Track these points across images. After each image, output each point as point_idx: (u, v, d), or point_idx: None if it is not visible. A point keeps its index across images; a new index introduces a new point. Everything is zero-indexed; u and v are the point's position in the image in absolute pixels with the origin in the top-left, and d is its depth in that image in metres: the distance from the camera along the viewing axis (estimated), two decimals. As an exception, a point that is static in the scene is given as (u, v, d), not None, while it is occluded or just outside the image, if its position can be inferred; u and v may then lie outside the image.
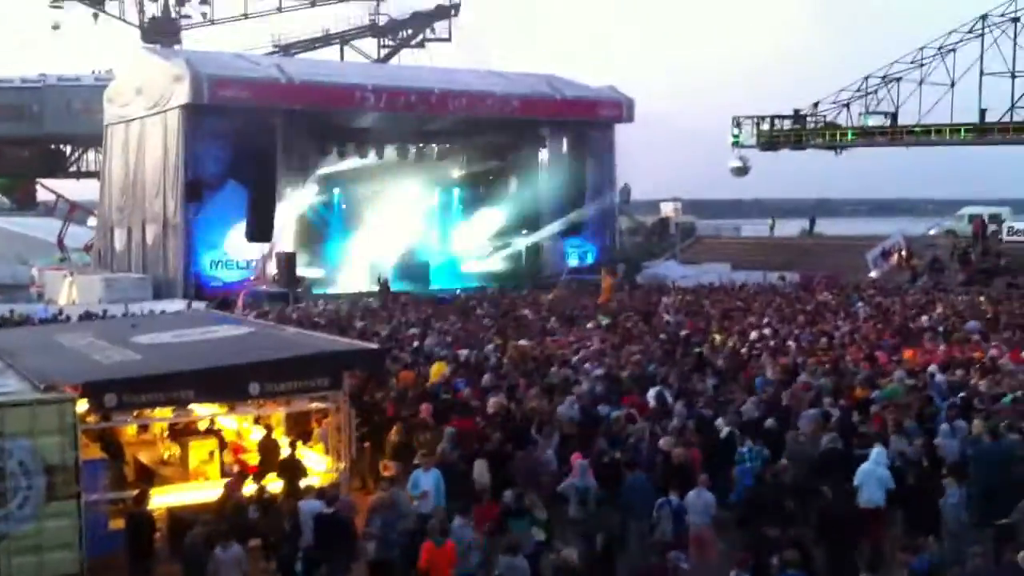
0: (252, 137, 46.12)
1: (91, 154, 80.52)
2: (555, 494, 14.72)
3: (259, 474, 15.62)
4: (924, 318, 32.11)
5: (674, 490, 13.85)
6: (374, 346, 20.65)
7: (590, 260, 56.89)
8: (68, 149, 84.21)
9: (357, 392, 19.15)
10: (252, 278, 47.34)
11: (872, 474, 14.38)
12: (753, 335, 28.63)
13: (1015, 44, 52.76)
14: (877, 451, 14.85)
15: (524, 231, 55.81)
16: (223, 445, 17.34)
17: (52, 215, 74.92)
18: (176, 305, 39.47)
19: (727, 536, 14.36)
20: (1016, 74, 52.74)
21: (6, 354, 16.70)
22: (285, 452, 16.49)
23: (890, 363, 23.60)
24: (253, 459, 16.92)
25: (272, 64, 52.44)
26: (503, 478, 15.30)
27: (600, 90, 58.41)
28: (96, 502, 14.08)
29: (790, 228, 74.22)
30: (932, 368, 22.33)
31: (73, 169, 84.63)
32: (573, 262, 56.42)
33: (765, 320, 32.19)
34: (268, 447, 16.81)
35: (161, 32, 77.78)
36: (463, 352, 26.14)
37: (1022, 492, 13.52)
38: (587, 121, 56.52)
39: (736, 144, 62.12)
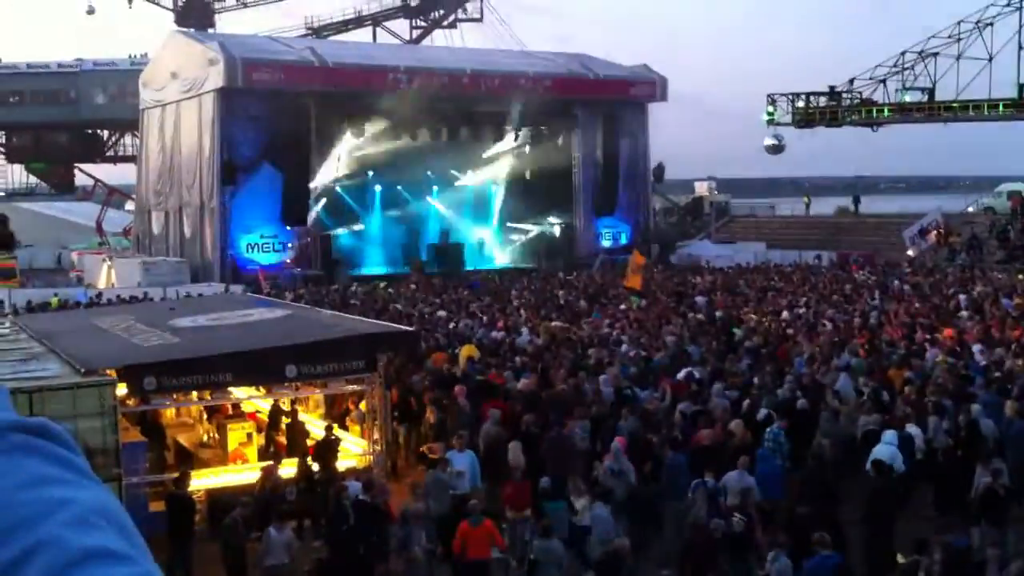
0: (286, 120, 46.34)
1: (128, 138, 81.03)
2: (589, 476, 14.77)
3: (288, 456, 15.81)
4: (962, 297, 31.81)
5: (709, 471, 13.87)
6: (409, 328, 20.78)
7: (623, 241, 56.76)
8: (105, 134, 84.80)
9: (394, 374, 19.33)
10: (288, 260, 47.65)
11: (885, 455, 14.35)
12: (785, 315, 28.53)
13: (1054, 17, 51.98)
14: (890, 433, 14.83)
15: (558, 212, 55.74)
16: (264, 427, 17.55)
17: (90, 199, 75.68)
18: (213, 288, 39.82)
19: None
20: (1055, 48, 51.99)
21: (47, 338, 16.97)
22: (317, 434, 16.66)
23: (926, 342, 23.44)
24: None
25: (305, 47, 52.56)
26: (536, 460, 15.40)
27: (633, 69, 58.14)
28: (136, 484, 14.31)
29: (826, 206, 73.60)
30: (976, 347, 22.17)
31: (110, 153, 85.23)
32: (606, 243, 56.32)
33: (802, 300, 32.04)
34: (296, 429, 17.00)
35: (195, 16, 78.05)
36: (497, 334, 26.24)
37: None
38: (620, 100, 56.26)
39: (771, 122, 61.53)
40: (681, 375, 19.89)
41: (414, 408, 18.34)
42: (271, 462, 15.23)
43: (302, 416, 17.76)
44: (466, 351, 23.02)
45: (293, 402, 17.85)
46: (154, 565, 1.11)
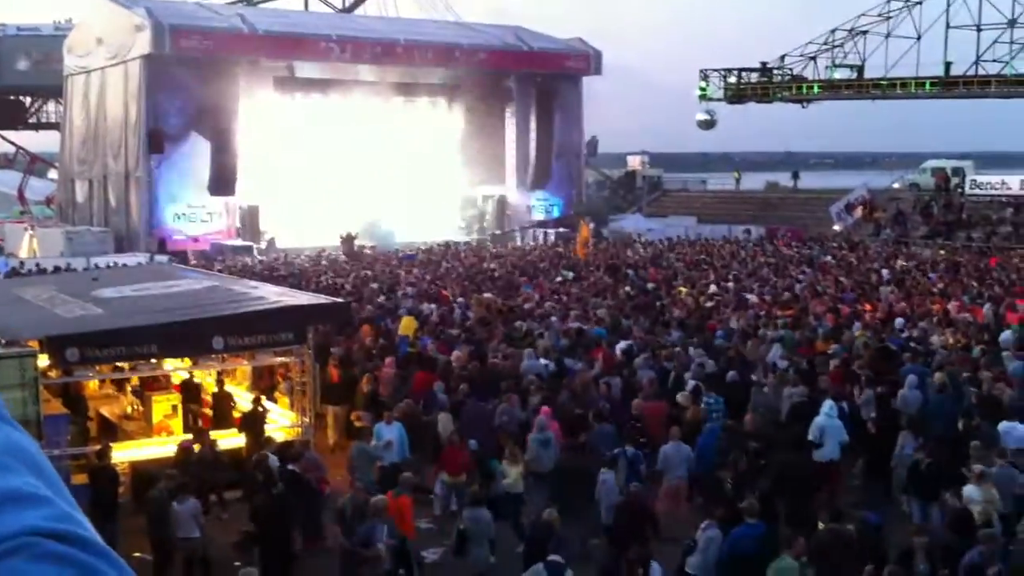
0: (214, 88, 45.57)
1: (51, 105, 79.08)
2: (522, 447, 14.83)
3: (214, 427, 15.63)
4: (885, 272, 32.40)
5: (630, 441, 13.98)
6: (339, 300, 20.61)
7: (556, 214, 56.92)
8: (28, 100, 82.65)
9: (322, 346, 19.18)
10: (214, 230, 47.05)
11: (826, 427, 14.58)
12: (712, 288, 28.85)
13: (980, -3, 52.87)
14: (828, 403, 15.09)
15: (491, 184, 55.64)
16: (188, 399, 17.31)
17: (12, 167, 73.77)
18: (138, 258, 39.16)
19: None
20: (981, 27, 52.82)
21: (-35, 309, 16.53)
22: (245, 406, 16.49)
23: (851, 316, 23.85)
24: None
25: (235, 14, 51.70)
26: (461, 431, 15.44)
27: (568, 42, 58.10)
28: (59, 457, 14.02)
29: (756, 182, 74.41)
30: (898, 322, 22.62)
31: (33, 120, 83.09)
32: (539, 215, 56.42)
33: (732, 274, 32.41)
34: (222, 400, 16.81)
35: (121, -20, 76.30)
36: (428, 307, 26.16)
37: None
38: (555, 74, 56.25)
39: (703, 97, 61.89)
40: (620, 347, 20.00)
41: (338, 382, 18.13)
42: (189, 436, 15.01)
43: (229, 388, 17.54)
44: (405, 324, 22.91)
45: (220, 373, 17.62)
46: (72, 505, 1.07)
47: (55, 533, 1.02)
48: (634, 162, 73.94)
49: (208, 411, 17.02)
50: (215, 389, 17.10)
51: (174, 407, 16.68)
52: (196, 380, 17.68)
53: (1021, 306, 24.44)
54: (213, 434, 15.27)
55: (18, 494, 1.02)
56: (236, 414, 16.57)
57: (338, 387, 18.01)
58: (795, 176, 65.67)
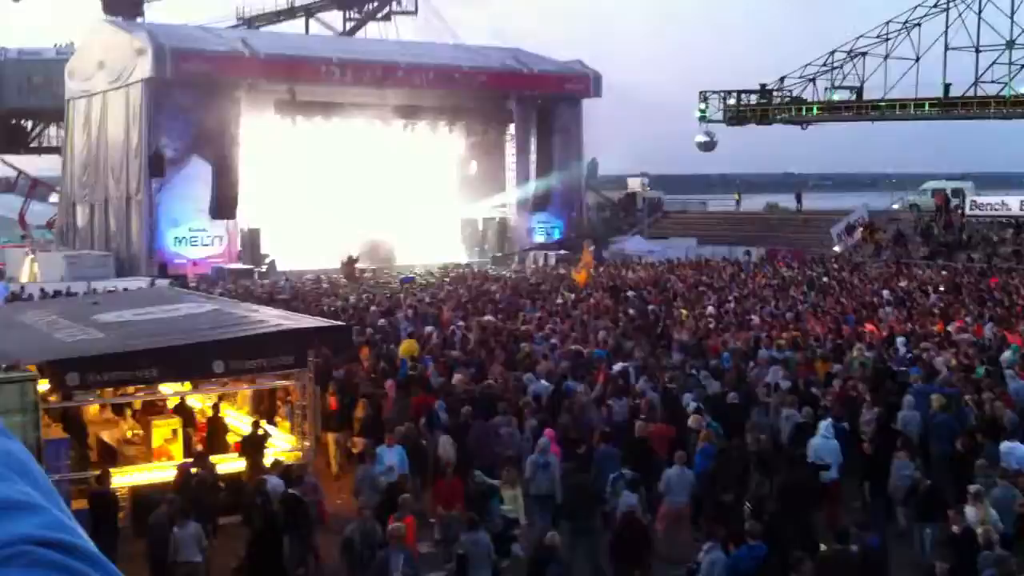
0: (216, 111, 45.73)
1: (52, 129, 79.25)
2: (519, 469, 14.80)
3: (208, 452, 15.62)
4: (886, 292, 32.39)
5: (630, 464, 13.94)
6: (339, 323, 20.61)
7: (556, 235, 57.00)
8: (29, 124, 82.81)
9: (324, 370, 19.16)
10: (217, 254, 47.12)
11: (824, 448, 14.57)
12: (710, 310, 28.86)
13: (979, 18, 52.93)
14: (825, 424, 15.10)
15: (491, 207, 55.76)
16: (189, 424, 17.28)
17: (13, 192, 73.87)
18: (139, 282, 39.18)
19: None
20: (980, 49, 52.99)
21: (-35, 333, 16.53)
22: (244, 430, 16.46)
23: (852, 336, 23.85)
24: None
25: (236, 37, 51.97)
26: (468, 454, 15.41)
27: (567, 64, 58.33)
28: (58, 482, 13.98)
29: (756, 203, 74.48)
30: (900, 339, 22.62)
31: (34, 144, 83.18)
32: (540, 237, 56.48)
33: (732, 295, 32.42)
34: (215, 425, 16.78)
35: (123, 4, 76.58)
36: (429, 329, 26.14)
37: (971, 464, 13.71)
38: (554, 95, 56.44)
39: (703, 119, 62.07)
40: (617, 368, 20.00)
41: (336, 409, 18.07)
42: (189, 460, 14.98)
43: (229, 412, 17.52)
44: (406, 347, 22.90)
45: (220, 398, 17.59)
46: (66, 513, 1.08)
47: (48, 541, 1.03)
48: (634, 184, 74.03)
49: (201, 435, 16.99)
50: (210, 413, 17.09)
51: (174, 431, 16.64)
52: (188, 404, 17.65)
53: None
54: (212, 459, 15.24)
55: (10, 502, 1.03)
56: (231, 439, 16.55)
57: (337, 414, 17.96)
58: (799, 198, 65.64)
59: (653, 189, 73.83)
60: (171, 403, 17.55)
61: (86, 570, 1.05)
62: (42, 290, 36.20)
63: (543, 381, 18.91)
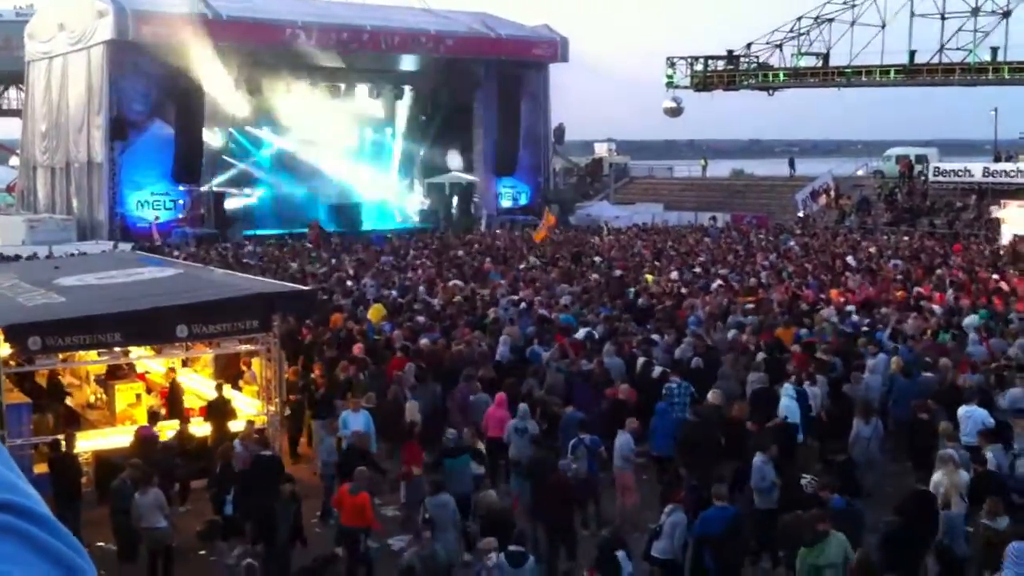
0: (178, 75, 45.13)
1: (12, 92, 78.03)
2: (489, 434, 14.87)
3: (167, 417, 15.57)
4: (850, 258, 32.64)
5: (588, 429, 14.00)
6: (305, 287, 20.51)
7: (523, 201, 56.93)
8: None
9: (291, 333, 19.10)
10: (180, 217, 46.71)
11: (789, 409, 14.76)
12: (674, 275, 28.97)
13: (945, -15, 53.26)
14: (787, 386, 15.26)
15: (458, 172, 55.57)
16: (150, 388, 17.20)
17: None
18: (101, 247, 38.79)
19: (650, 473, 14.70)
20: (945, 16, 53.23)
21: (-76, 298, 16.30)
22: (209, 395, 16.39)
23: (817, 302, 24.03)
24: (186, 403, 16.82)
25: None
26: (437, 418, 15.49)
27: (535, 29, 57.99)
28: (20, 447, 13.88)
29: (722, 169, 74.70)
30: (849, 308, 22.81)
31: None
32: (507, 203, 56.41)
33: (700, 259, 32.57)
34: (174, 390, 16.73)
35: (83, -35, 75.36)
36: (396, 294, 26.12)
37: (933, 429, 13.89)
38: (522, 60, 56.14)
39: (670, 85, 62.02)
40: (580, 334, 20.03)
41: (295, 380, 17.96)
42: (144, 424, 14.89)
43: (193, 376, 17.43)
44: (375, 311, 22.88)
45: (184, 363, 17.49)
46: (17, 475, 1.08)
47: None
48: (601, 149, 74.01)
49: (163, 400, 16.90)
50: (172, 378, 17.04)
51: (138, 396, 16.54)
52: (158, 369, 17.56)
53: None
54: (170, 424, 15.20)
55: None
56: (193, 403, 16.51)
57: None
58: (792, 164, 65.37)
59: (620, 155, 73.86)
60: (140, 367, 17.44)
61: (36, 532, 1.03)
62: (2, 254, 35.78)
63: (507, 347, 18.93)
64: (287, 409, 16.56)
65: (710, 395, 15.36)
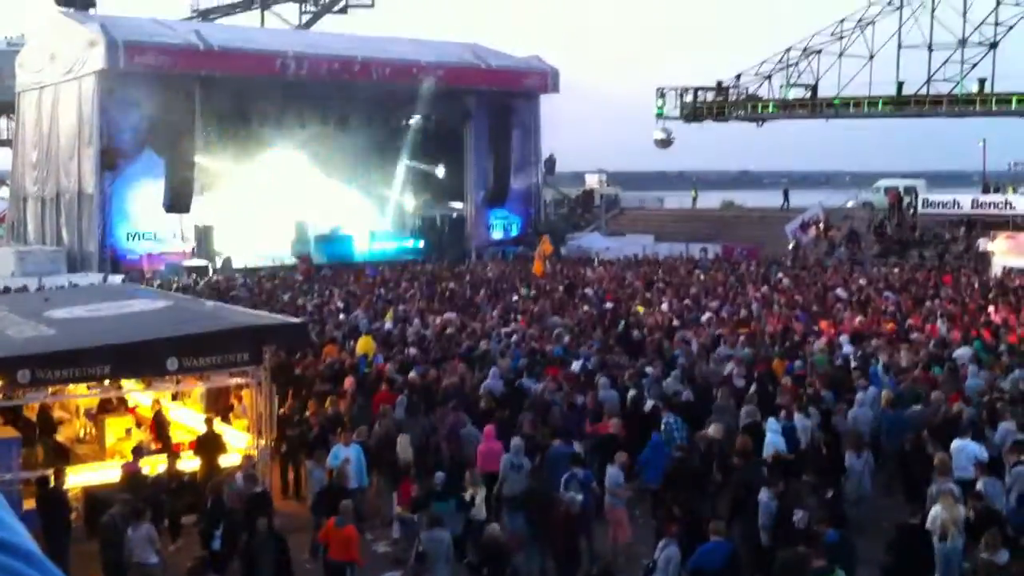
0: (169, 105, 45.20)
1: (3, 122, 78.06)
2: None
3: (158, 451, 15.46)
4: (840, 290, 32.66)
5: (581, 463, 13.93)
6: (296, 320, 20.43)
7: (514, 232, 57.01)
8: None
9: (281, 367, 19.02)
10: (169, 249, 46.64)
11: (776, 443, 14.72)
12: (664, 307, 28.98)
13: (932, 17, 53.62)
14: (771, 421, 15.30)
15: (449, 203, 55.65)
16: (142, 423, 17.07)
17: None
18: (91, 278, 38.68)
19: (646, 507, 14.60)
20: (932, 47, 53.66)
21: (-86, 330, 16.18)
22: (199, 428, 16.29)
23: (807, 334, 24.03)
24: (176, 438, 16.71)
25: (190, 30, 51.32)
26: (429, 452, 15.40)
27: (525, 60, 58.28)
28: (9, 482, 13.75)
29: (712, 200, 74.90)
30: (842, 339, 22.82)
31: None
32: (497, 234, 56.46)
33: (691, 291, 32.59)
34: (160, 423, 16.62)
35: (75, -4, 75.52)
36: (388, 325, 26.07)
37: (927, 460, 13.84)
38: (512, 91, 56.37)
39: (660, 116, 62.30)
40: (575, 367, 19.99)
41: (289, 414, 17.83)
42: (131, 460, 14.77)
43: (182, 409, 17.32)
44: (364, 343, 22.82)
45: (175, 396, 17.39)
46: (5, 508, 1.11)
47: None
48: (592, 180, 74.18)
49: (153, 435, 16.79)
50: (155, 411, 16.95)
51: (128, 430, 16.42)
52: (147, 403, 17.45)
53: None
54: (159, 458, 15.09)
55: None
56: (181, 437, 16.41)
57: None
58: (786, 195, 65.58)
59: (611, 185, 74.03)
60: (130, 401, 17.33)
61: (24, 569, 1.03)
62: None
63: (499, 380, 18.86)
64: (283, 445, 16.46)
65: (711, 429, 15.30)
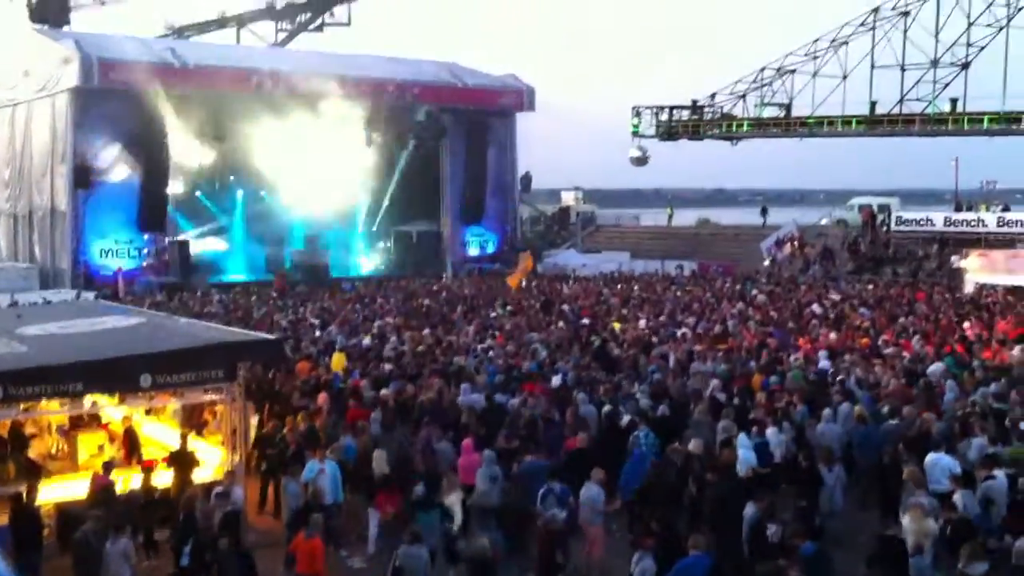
0: (144, 122, 45.05)
1: (-25, 138, 77.54)
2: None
3: (124, 465, 15.34)
4: (815, 307, 32.80)
5: (570, 477, 13.89)
6: (270, 336, 20.33)
7: (491, 249, 57.05)
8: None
9: (259, 383, 18.93)
10: (144, 265, 46.39)
11: (747, 459, 14.74)
12: (642, 324, 29.01)
13: (905, 38, 54.19)
14: (742, 436, 15.37)
15: (425, 220, 55.63)
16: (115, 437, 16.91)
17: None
18: (64, 295, 38.40)
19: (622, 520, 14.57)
20: (905, 67, 54.16)
21: None
22: (172, 444, 16.18)
23: (780, 350, 24.11)
24: (149, 454, 16.57)
25: (165, 47, 51.24)
26: (404, 468, 15.31)
27: (501, 78, 58.46)
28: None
29: (688, 218, 75.17)
30: (821, 354, 22.92)
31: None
32: (474, 251, 56.47)
33: (667, 308, 32.65)
34: (130, 438, 16.52)
35: (50, 12, 75.17)
36: (364, 341, 26.00)
37: (898, 474, 13.89)
38: (488, 109, 56.51)
39: (636, 134, 62.57)
40: (555, 382, 19.99)
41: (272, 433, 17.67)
42: (100, 472, 14.65)
43: (156, 425, 17.19)
44: (337, 359, 22.76)
45: (149, 411, 17.25)
46: None
47: None
48: (568, 198, 74.34)
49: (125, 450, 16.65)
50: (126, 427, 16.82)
51: (100, 446, 16.27)
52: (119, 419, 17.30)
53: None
54: (132, 471, 14.97)
55: None
56: (152, 453, 16.29)
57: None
58: (764, 212, 65.80)
59: (587, 203, 74.20)
60: (103, 417, 17.18)
61: None
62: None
63: (476, 395, 18.83)
64: (263, 464, 16.36)
65: (691, 444, 15.29)
